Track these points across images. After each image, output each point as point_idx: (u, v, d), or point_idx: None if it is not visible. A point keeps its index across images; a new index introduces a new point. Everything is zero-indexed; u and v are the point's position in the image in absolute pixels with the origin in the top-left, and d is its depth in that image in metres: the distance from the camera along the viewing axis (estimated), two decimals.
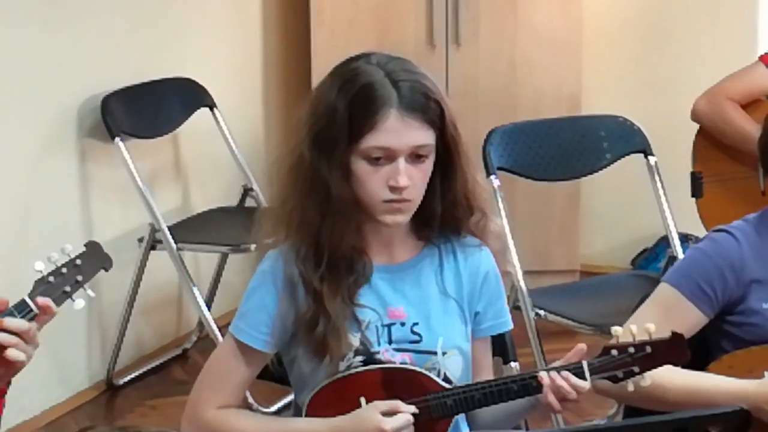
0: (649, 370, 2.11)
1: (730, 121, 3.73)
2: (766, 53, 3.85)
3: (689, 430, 1.77)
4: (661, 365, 2.12)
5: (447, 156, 2.23)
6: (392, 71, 2.17)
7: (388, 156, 2.16)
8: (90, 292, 2.27)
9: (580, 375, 2.12)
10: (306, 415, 2.23)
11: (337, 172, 2.17)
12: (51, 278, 2.22)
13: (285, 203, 2.23)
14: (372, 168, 2.16)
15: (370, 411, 2.14)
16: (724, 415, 1.81)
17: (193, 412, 2.28)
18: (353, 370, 2.20)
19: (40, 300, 2.17)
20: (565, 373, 2.13)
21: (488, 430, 2.31)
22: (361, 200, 2.19)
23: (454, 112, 2.22)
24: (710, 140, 3.83)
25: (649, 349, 2.11)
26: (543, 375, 2.12)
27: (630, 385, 2.13)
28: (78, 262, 2.26)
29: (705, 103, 3.81)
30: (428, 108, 2.17)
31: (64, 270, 2.23)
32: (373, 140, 2.15)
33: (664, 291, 2.43)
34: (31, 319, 2.17)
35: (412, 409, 2.15)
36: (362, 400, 2.17)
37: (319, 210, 2.18)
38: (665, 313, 2.35)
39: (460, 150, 2.24)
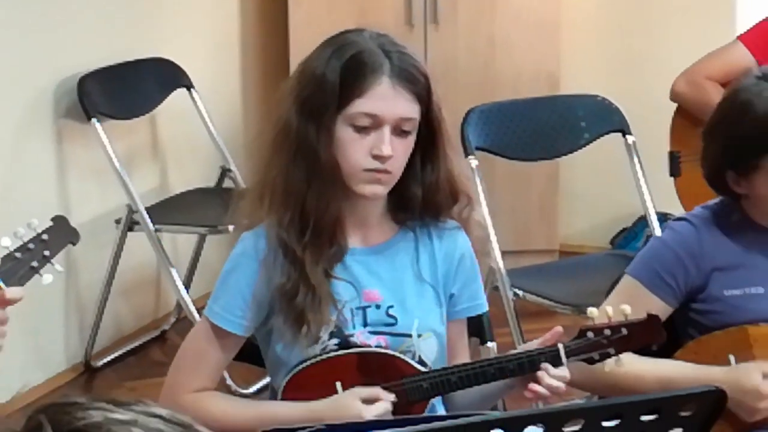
0: (625, 351, 2.12)
1: (711, 103, 3.71)
2: (744, 33, 3.84)
3: (663, 410, 1.76)
4: (637, 347, 2.12)
5: (430, 138, 2.23)
6: (384, 43, 2.19)
7: (374, 124, 2.15)
8: (58, 267, 2.25)
9: (557, 357, 2.13)
10: (282, 399, 2.22)
11: (324, 136, 2.16)
12: (18, 254, 2.19)
13: (269, 170, 2.21)
14: (357, 135, 2.16)
15: (351, 397, 2.14)
16: (698, 395, 1.81)
17: (170, 396, 2.27)
18: (329, 354, 2.19)
19: (9, 293, 2.15)
20: (543, 367, 2.12)
21: (465, 410, 2.31)
22: (341, 169, 2.17)
23: (439, 96, 2.22)
24: (688, 119, 3.82)
25: (625, 330, 2.11)
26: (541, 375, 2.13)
27: (606, 366, 2.13)
28: (45, 237, 2.24)
29: (684, 84, 3.80)
30: (418, 81, 2.17)
31: (30, 245, 2.21)
32: (362, 106, 2.14)
33: (627, 283, 2.44)
34: None
35: (392, 397, 2.15)
36: (338, 384, 2.17)
37: (305, 175, 2.18)
38: (629, 305, 2.35)
39: (443, 133, 2.24)
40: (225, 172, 4.56)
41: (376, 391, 2.15)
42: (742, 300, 2.37)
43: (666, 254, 2.40)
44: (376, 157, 2.15)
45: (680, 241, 2.40)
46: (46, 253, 2.23)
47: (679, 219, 2.46)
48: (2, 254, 2.19)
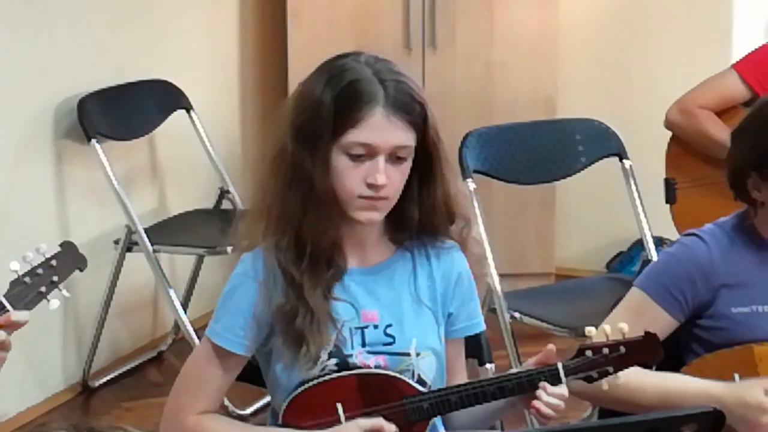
0: (623, 369, 2.13)
1: (704, 131, 3.73)
2: (739, 61, 3.84)
3: (662, 430, 1.78)
4: (634, 364, 2.14)
5: (427, 161, 2.23)
6: (380, 70, 2.19)
7: (368, 153, 2.16)
8: (65, 293, 2.27)
9: (556, 377, 2.14)
10: (283, 421, 2.23)
11: (319, 164, 2.17)
12: (27, 279, 2.22)
13: (265, 195, 2.22)
14: (352, 164, 2.17)
15: (353, 429, 2.14)
16: (697, 415, 1.82)
17: (173, 418, 2.27)
18: (329, 376, 2.20)
19: (15, 316, 2.17)
20: (541, 386, 2.13)
21: (465, 430, 2.32)
22: (337, 196, 2.19)
23: (436, 118, 2.23)
24: (683, 146, 3.83)
25: (623, 349, 2.13)
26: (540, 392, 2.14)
27: (604, 384, 2.15)
28: (53, 262, 2.26)
29: (677, 113, 3.81)
30: (413, 109, 2.18)
31: (39, 270, 2.24)
32: (356, 136, 2.15)
33: (634, 295, 2.45)
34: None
35: (393, 428, 2.15)
36: (339, 406, 2.18)
37: (301, 202, 2.18)
38: (636, 317, 2.36)
39: (441, 155, 2.25)
40: (223, 193, 4.56)
41: (378, 422, 2.15)
42: (749, 317, 2.39)
43: (675, 268, 2.41)
44: (370, 186, 2.16)
45: (690, 256, 2.42)
46: (55, 278, 2.25)
47: (690, 234, 2.47)
48: (11, 278, 2.21)
